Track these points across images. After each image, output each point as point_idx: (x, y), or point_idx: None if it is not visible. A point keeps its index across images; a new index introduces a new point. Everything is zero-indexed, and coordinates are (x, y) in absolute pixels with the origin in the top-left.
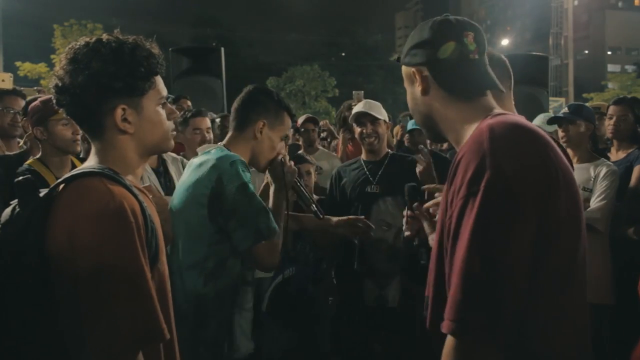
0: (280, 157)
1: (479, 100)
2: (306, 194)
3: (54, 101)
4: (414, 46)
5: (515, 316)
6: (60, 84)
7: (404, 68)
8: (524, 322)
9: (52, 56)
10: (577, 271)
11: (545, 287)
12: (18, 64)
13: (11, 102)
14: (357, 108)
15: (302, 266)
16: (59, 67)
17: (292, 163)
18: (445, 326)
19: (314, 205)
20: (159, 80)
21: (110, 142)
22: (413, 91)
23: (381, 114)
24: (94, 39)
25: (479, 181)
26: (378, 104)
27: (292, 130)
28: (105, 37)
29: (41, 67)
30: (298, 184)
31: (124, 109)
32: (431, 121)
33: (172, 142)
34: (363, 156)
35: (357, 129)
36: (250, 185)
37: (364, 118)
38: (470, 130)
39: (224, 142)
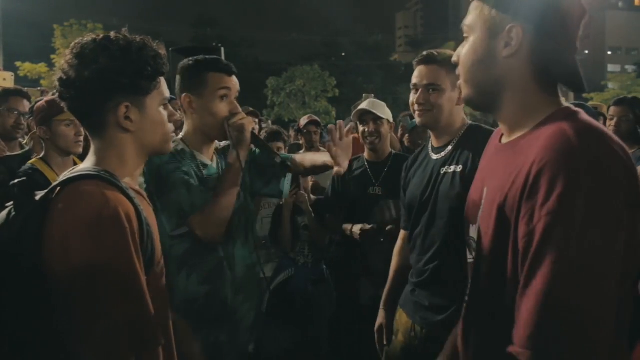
0: (226, 117)
1: (554, 86)
2: (267, 146)
3: (57, 94)
4: None
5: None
6: (65, 78)
7: (485, 10)
8: None
9: (52, 56)
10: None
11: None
12: (18, 64)
13: (16, 103)
14: (360, 106)
15: (301, 267)
16: (64, 61)
17: (241, 116)
18: (517, 353)
19: (278, 157)
20: (163, 81)
21: (110, 141)
22: (490, 46)
23: (384, 113)
24: (101, 35)
25: (572, 197)
26: (382, 103)
27: (294, 130)
28: (113, 34)
29: (41, 67)
30: (256, 137)
31: (127, 107)
32: (497, 87)
33: (171, 145)
34: (366, 155)
35: (360, 127)
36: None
37: (367, 116)
38: (534, 119)
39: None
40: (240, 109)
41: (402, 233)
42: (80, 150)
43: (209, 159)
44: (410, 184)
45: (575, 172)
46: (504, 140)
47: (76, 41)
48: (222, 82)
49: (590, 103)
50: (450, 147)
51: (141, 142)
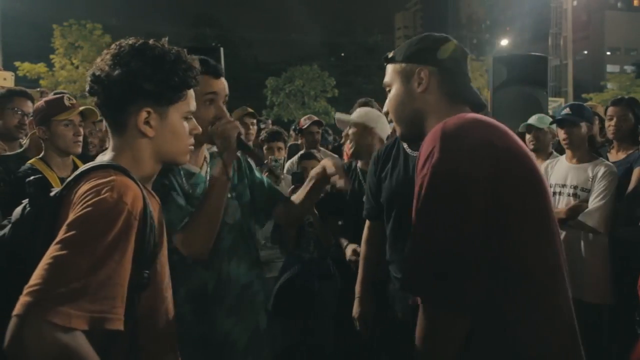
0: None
1: (462, 106)
2: (255, 153)
3: (87, 88)
4: (420, 49)
5: (473, 287)
6: (97, 73)
7: (397, 67)
8: (488, 316)
9: (51, 56)
10: (542, 268)
11: (506, 280)
12: (17, 63)
13: (20, 103)
14: (352, 117)
15: (307, 262)
16: (100, 59)
17: (224, 121)
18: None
19: (266, 166)
20: (191, 94)
21: (128, 142)
22: (407, 88)
23: (377, 123)
24: (141, 40)
25: (427, 165)
26: (378, 113)
27: (294, 131)
28: (152, 41)
29: (40, 67)
30: (242, 143)
31: (148, 112)
32: (420, 117)
33: (188, 157)
34: (360, 165)
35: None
36: None
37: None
38: None
39: None
40: (227, 114)
41: (368, 223)
42: (79, 150)
43: (197, 166)
44: (387, 178)
45: (432, 146)
46: None
47: (117, 42)
48: (208, 86)
49: (588, 103)
50: None
51: (158, 149)
